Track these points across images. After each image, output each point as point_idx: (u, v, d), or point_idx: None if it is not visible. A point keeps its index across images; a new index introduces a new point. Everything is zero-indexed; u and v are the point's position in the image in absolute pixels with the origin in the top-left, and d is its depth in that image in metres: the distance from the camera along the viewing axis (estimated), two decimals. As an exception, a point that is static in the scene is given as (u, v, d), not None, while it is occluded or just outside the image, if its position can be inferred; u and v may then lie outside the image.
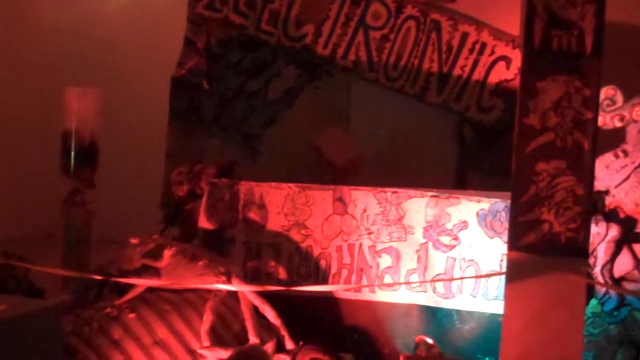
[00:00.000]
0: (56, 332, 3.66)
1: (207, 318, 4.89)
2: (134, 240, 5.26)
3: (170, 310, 4.96)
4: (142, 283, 4.91)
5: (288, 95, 7.17)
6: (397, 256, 5.44)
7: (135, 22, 8.69)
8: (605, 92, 5.13)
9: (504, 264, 5.17)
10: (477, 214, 5.32)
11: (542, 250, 4.08)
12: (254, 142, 7.13)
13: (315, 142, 6.90)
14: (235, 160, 6.38)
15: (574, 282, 4.07)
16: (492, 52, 6.84)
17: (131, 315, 4.85)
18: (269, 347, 4.94)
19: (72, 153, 6.25)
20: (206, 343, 4.83)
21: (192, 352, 4.84)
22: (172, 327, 4.89)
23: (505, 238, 5.08)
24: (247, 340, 4.92)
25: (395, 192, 5.49)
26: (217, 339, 4.91)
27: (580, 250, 4.09)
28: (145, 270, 5.13)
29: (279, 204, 5.65)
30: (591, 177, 4.11)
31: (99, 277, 4.99)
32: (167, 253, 5.11)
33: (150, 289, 4.98)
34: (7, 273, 5.48)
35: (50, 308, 3.61)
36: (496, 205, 5.31)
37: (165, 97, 7.02)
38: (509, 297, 4.14)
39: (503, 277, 5.05)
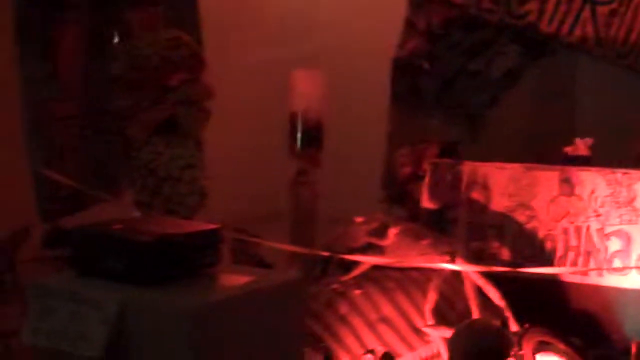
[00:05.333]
0: (300, 307, 3.79)
1: (432, 297, 4.91)
2: (358, 219, 5.37)
3: (395, 288, 5.02)
4: (367, 260, 5.00)
5: (511, 75, 7.02)
6: (628, 239, 5.23)
7: (356, 4, 8.82)
8: None
9: None
10: None
11: None
12: (475, 123, 7.04)
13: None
14: (457, 140, 6.36)
15: None
16: None
17: (357, 292, 4.95)
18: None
19: (299, 134, 6.45)
20: (430, 321, 4.86)
21: (416, 330, 4.88)
22: (397, 304, 4.95)
23: None
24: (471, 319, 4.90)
25: (627, 173, 5.28)
26: (441, 318, 4.92)
27: None
28: (370, 248, 5.22)
29: (503, 185, 5.58)
30: None
31: (325, 254, 5.13)
32: (392, 231, 5.18)
33: (375, 267, 5.06)
34: (239, 248, 5.75)
35: (294, 282, 3.74)
36: None
37: (387, 78, 7.07)
38: None
39: None
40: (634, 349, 4.46)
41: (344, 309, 4.87)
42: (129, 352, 3.29)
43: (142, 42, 5.77)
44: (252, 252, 5.69)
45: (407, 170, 6.08)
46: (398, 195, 6.25)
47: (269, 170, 7.31)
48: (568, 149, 5.85)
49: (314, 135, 6.49)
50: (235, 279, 3.58)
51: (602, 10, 6.71)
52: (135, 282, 3.40)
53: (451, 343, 4.59)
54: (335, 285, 5.01)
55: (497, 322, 4.78)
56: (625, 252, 5.23)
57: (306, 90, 6.43)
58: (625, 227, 5.24)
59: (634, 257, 5.20)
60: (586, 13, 6.75)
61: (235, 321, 3.34)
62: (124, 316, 3.28)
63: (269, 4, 9.10)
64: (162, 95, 5.66)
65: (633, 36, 6.66)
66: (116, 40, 6.59)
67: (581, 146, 5.81)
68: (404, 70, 7.09)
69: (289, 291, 3.67)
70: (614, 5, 6.68)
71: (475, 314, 4.90)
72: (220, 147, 7.89)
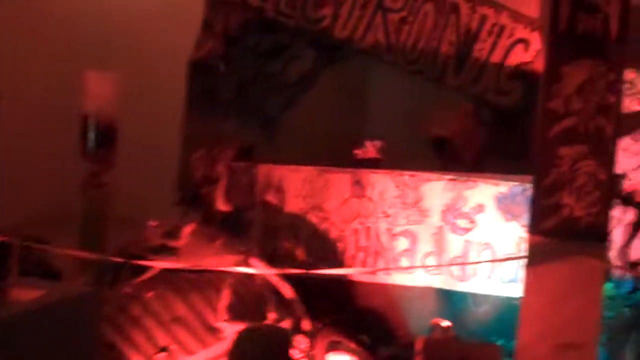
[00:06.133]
0: (96, 318, 3.68)
1: (225, 294, 4.94)
2: (152, 223, 5.29)
3: (189, 288, 5.02)
4: (160, 265, 4.94)
5: (306, 78, 7.14)
6: (414, 239, 5.44)
7: (152, 5, 8.69)
8: (625, 75, 5.09)
9: (520, 247, 5.18)
10: (495, 197, 5.32)
11: (562, 234, 4.08)
12: (271, 125, 7.10)
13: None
14: (253, 143, 6.39)
15: (594, 266, 4.08)
16: (511, 35, 6.78)
17: (149, 294, 4.90)
18: (286, 324, 4.96)
19: (91, 135, 6.28)
20: (224, 317, 4.88)
21: (211, 328, 4.90)
22: (190, 304, 4.95)
23: (522, 221, 5.13)
24: (265, 318, 4.94)
25: (413, 175, 5.50)
26: (235, 315, 4.95)
27: (600, 235, 4.09)
28: (163, 250, 5.16)
29: (297, 187, 5.67)
30: (612, 162, 4.10)
31: (117, 260, 5.02)
32: (185, 232, 5.15)
33: (168, 269, 5.01)
34: (25, 256, 5.50)
35: (89, 294, 3.63)
36: (514, 188, 5.30)
37: (183, 80, 7.00)
38: (529, 281, 4.14)
39: (519, 260, 5.09)
40: (418, 345, 4.63)
41: (136, 311, 4.83)
42: None
43: None
44: (38, 260, 5.46)
45: (202, 172, 6.04)
46: (193, 198, 6.20)
47: (61, 172, 7.09)
48: (358, 152, 6.01)
49: (106, 137, 6.34)
50: (25, 294, 3.48)
51: (392, 17, 6.94)
52: None
53: (232, 348, 4.63)
54: (127, 289, 4.92)
55: (284, 324, 4.87)
56: (411, 251, 5.44)
57: (98, 91, 6.27)
58: (412, 227, 5.45)
59: (419, 255, 5.41)
60: (378, 19, 6.96)
61: (26, 337, 3.23)
62: None
63: (60, 3, 8.83)
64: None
65: (421, 43, 6.93)
66: None
67: (371, 148, 5.99)
68: (200, 72, 7.05)
69: (82, 303, 3.58)
70: (404, 13, 6.92)
71: (270, 313, 4.94)
72: (9, 151, 7.59)
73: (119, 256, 5.05)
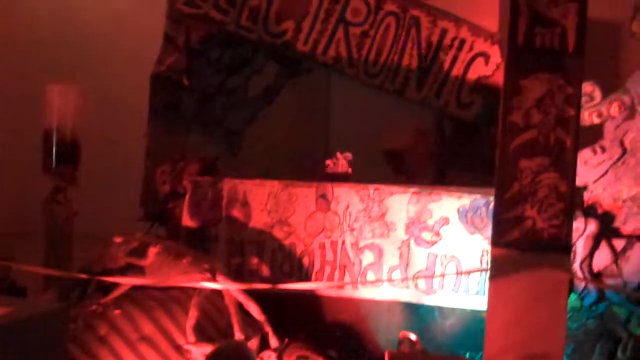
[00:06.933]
0: (63, 335, 3.65)
1: (193, 314, 4.92)
2: (118, 239, 5.27)
3: (155, 307, 4.99)
4: (127, 282, 4.91)
5: (268, 92, 7.18)
6: (380, 253, 5.48)
7: (114, 18, 8.66)
8: (584, 88, 5.18)
9: (485, 259, 5.24)
10: (458, 210, 5.37)
11: (525, 246, 4.14)
12: (234, 139, 7.13)
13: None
14: (217, 157, 6.39)
15: (557, 277, 4.14)
16: (471, 48, 6.89)
17: (116, 312, 4.88)
18: (254, 343, 4.97)
19: (54, 151, 6.23)
20: (192, 339, 4.86)
21: (178, 347, 4.88)
22: (158, 323, 4.92)
23: (486, 234, 5.19)
24: (233, 336, 4.95)
25: (378, 188, 5.53)
26: (203, 334, 4.94)
27: (563, 246, 4.16)
28: (130, 269, 5.14)
29: (262, 201, 5.68)
30: (574, 174, 4.16)
31: (83, 276, 4.99)
32: (152, 251, 5.12)
33: (135, 287, 4.99)
34: (-12, 271, 5.46)
35: (56, 310, 3.60)
36: (477, 201, 5.35)
37: (145, 94, 6.99)
38: (493, 293, 4.19)
39: (484, 273, 5.15)
40: (386, 358, 4.65)
41: (103, 329, 4.80)
42: None
43: None
44: (2, 276, 5.42)
45: (167, 187, 6.04)
46: (158, 213, 6.19)
47: (23, 188, 7.02)
48: (329, 162, 6.04)
49: (69, 152, 6.29)
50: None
51: (354, 31, 7.00)
52: None
53: None
54: (94, 307, 4.90)
55: (251, 342, 4.87)
56: (377, 265, 5.47)
57: (60, 105, 6.21)
58: (377, 241, 5.48)
59: (385, 269, 5.45)
60: (340, 34, 7.02)
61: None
62: None
63: (22, 16, 8.75)
64: None
65: (383, 57, 6.99)
66: None
67: (342, 160, 6.03)
68: (162, 86, 7.04)
69: (50, 320, 3.56)
70: (365, 27, 6.99)
71: (237, 330, 4.94)
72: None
73: (84, 273, 5.02)
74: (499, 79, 6.33)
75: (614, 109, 5.30)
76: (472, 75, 6.88)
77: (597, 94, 5.28)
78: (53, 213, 6.24)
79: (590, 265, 5.23)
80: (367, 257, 5.49)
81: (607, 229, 5.24)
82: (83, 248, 5.98)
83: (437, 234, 5.37)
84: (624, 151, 5.24)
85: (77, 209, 6.32)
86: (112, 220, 6.09)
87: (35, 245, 6.28)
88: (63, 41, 8.46)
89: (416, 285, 5.38)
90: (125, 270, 5.13)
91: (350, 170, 6.02)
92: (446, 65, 6.91)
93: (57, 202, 6.26)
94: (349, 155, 6.09)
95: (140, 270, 5.11)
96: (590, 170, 5.27)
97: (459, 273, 5.27)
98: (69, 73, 7.42)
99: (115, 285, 4.97)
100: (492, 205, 4.98)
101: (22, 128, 7.17)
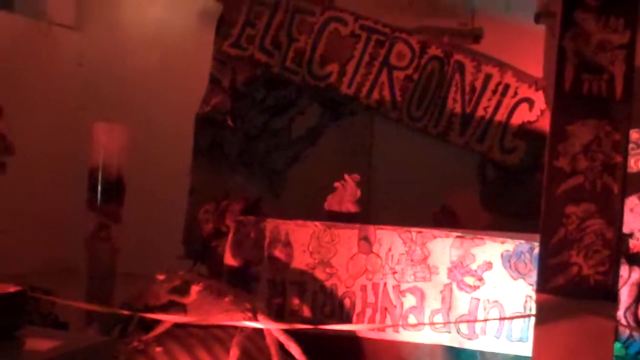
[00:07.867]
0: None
1: (234, 353, 4.90)
2: (160, 277, 5.28)
3: (197, 345, 4.99)
4: (168, 319, 4.93)
5: (311, 133, 7.21)
6: (422, 296, 5.45)
7: (161, 59, 8.80)
8: (631, 135, 5.15)
9: (528, 305, 5.19)
10: (502, 255, 5.34)
11: (570, 292, 4.10)
12: (277, 179, 7.16)
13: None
14: (260, 197, 6.43)
15: (603, 325, 4.09)
16: (515, 94, 6.88)
17: (158, 349, 4.88)
18: (293, 383, 4.95)
19: (99, 188, 6.30)
20: (233, 377, 4.86)
21: (219, 386, 4.87)
22: (198, 361, 4.92)
23: (529, 279, 5.16)
24: (273, 376, 4.93)
25: (420, 232, 5.52)
26: (243, 373, 4.93)
27: (609, 293, 4.11)
28: (172, 306, 5.16)
29: (305, 242, 5.69)
30: (620, 220, 4.13)
31: (126, 313, 5.02)
32: (195, 289, 5.13)
33: (177, 325, 5.00)
34: (33, 307, 5.49)
35: (103, 344, 3.63)
36: (520, 246, 5.32)
37: (190, 134, 7.07)
38: (538, 339, 4.15)
39: (527, 319, 5.10)
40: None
41: (144, 367, 4.80)
42: None
43: None
44: (45, 312, 5.45)
45: (210, 226, 6.08)
46: (201, 252, 6.22)
47: (67, 224, 7.11)
48: (337, 185, 6.01)
49: (114, 190, 6.35)
50: (42, 344, 3.47)
51: (398, 75, 7.04)
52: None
53: None
54: (135, 343, 4.91)
55: None
56: (419, 308, 5.45)
57: (107, 143, 6.30)
58: (419, 284, 5.46)
59: (427, 313, 5.42)
60: (383, 77, 7.06)
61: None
62: None
63: (70, 56, 8.93)
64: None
65: (426, 101, 7.02)
66: None
67: (350, 182, 6.02)
68: (207, 126, 7.12)
69: (96, 354, 3.58)
70: (409, 71, 7.02)
71: (277, 371, 4.93)
72: (17, 202, 7.60)
73: (126, 310, 5.06)
74: (543, 124, 6.33)
75: (660, 157, 5.27)
76: (516, 120, 6.86)
77: (644, 141, 5.26)
78: (97, 250, 6.29)
79: (634, 314, 5.16)
80: (409, 300, 5.46)
81: (651, 277, 5.19)
82: (125, 285, 6.01)
83: (480, 278, 5.34)
84: (670, 199, 5.20)
85: (120, 246, 6.36)
86: (155, 258, 6.14)
87: (79, 282, 6.33)
88: (111, 82, 8.61)
89: (458, 330, 5.34)
90: (167, 308, 5.14)
91: (357, 210, 5.99)
92: (490, 110, 6.91)
93: (101, 239, 6.31)
94: (356, 176, 6.09)
95: (182, 308, 5.12)
96: (636, 217, 5.23)
97: (502, 318, 5.22)
98: (116, 112, 7.54)
99: (157, 322, 4.99)
100: (535, 251, 4.99)
101: (69, 166, 7.27)
